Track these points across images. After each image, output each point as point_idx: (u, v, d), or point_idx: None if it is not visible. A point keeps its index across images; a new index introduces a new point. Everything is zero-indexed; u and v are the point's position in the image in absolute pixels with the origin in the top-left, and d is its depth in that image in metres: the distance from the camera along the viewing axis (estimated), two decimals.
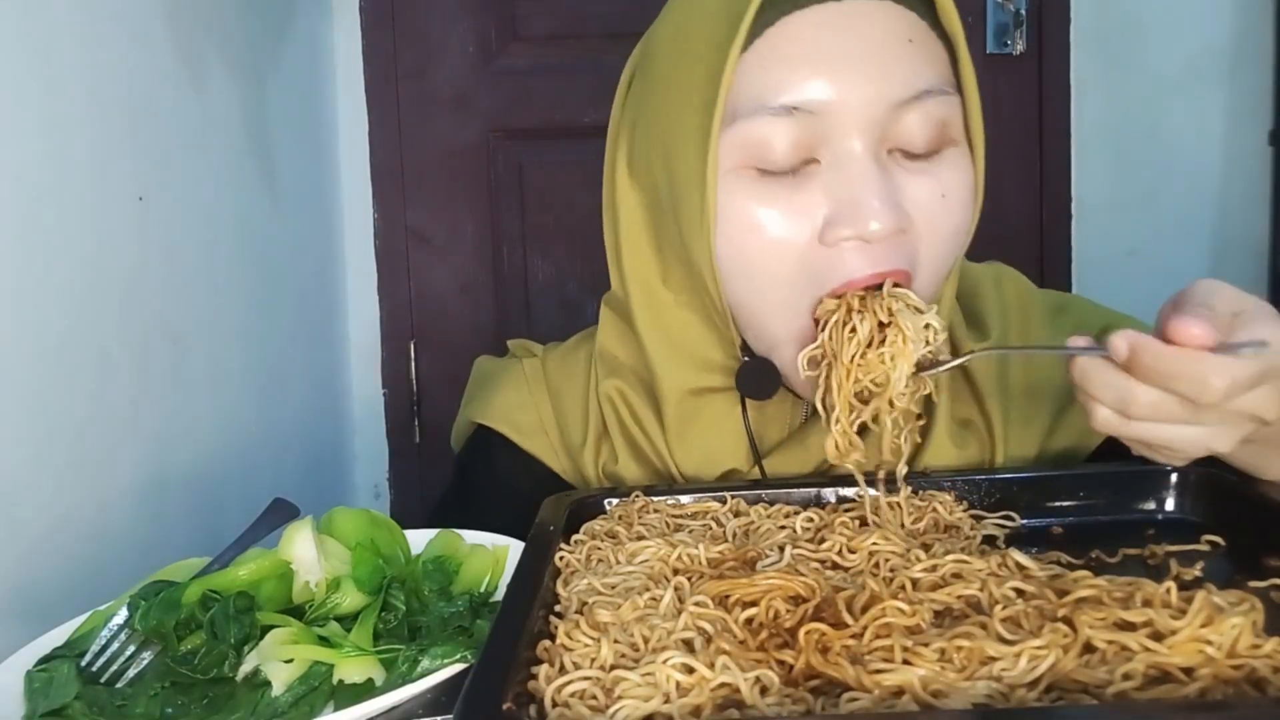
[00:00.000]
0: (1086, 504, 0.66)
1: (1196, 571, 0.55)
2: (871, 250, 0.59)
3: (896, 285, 0.61)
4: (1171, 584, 0.48)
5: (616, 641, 0.47)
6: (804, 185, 0.60)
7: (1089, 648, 0.44)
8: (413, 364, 1.77)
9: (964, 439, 0.71)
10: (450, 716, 0.42)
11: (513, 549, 0.70)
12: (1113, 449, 0.72)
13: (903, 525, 0.61)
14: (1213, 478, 0.65)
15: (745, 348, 0.68)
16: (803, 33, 0.58)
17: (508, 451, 0.79)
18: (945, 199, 0.61)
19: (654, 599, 0.51)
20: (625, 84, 0.73)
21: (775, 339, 0.65)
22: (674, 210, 0.65)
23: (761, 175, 0.60)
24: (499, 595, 0.65)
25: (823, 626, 0.46)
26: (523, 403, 0.79)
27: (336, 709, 0.54)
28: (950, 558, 0.54)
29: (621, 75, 0.74)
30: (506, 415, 0.79)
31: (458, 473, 0.85)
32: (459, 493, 0.83)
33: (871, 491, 0.64)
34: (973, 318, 0.75)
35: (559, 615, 0.53)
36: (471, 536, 0.73)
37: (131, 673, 0.60)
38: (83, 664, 0.60)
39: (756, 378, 0.67)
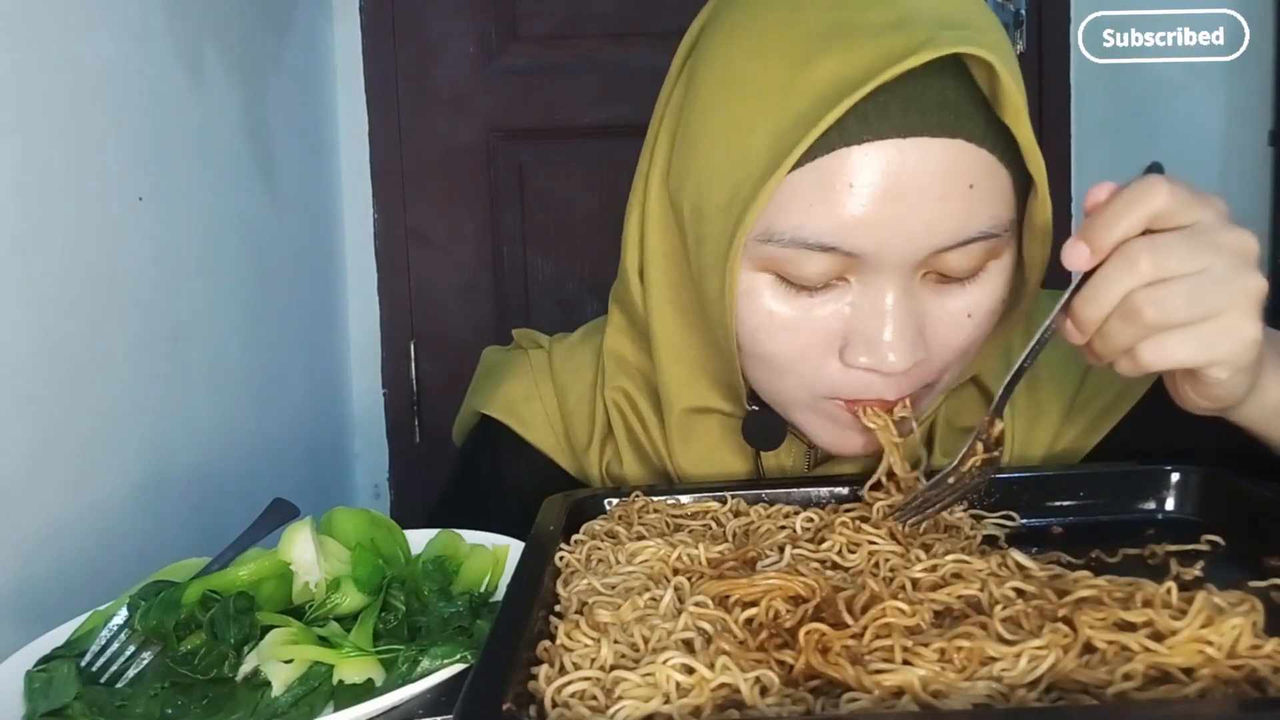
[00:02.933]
0: (1086, 504, 0.66)
1: (1196, 571, 0.55)
2: (888, 378, 0.59)
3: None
4: (1172, 584, 0.48)
5: (616, 642, 0.47)
6: (829, 302, 0.59)
7: (1089, 648, 0.44)
8: (413, 364, 1.77)
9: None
10: (450, 716, 0.42)
11: (513, 549, 0.70)
12: (1111, 448, 0.74)
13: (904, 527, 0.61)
14: (1213, 477, 0.65)
15: (753, 395, 0.67)
16: (859, 172, 0.54)
17: (511, 443, 0.78)
18: (970, 318, 0.59)
19: (654, 599, 0.51)
20: (677, 69, 0.67)
21: (787, 408, 0.65)
22: (698, 268, 0.63)
23: (787, 283, 0.59)
24: (499, 595, 0.65)
25: (823, 627, 0.46)
26: (528, 395, 0.77)
27: (336, 709, 0.54)
28: (950, 558, 0.54)
29: (677, 52, 0.67)
30: (511, 407, 0.78)
31: (460, 465, 0.84)
32: (461, 485, 0.82)
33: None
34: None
35: (559, 615, 0.53)
36: (471, 536, 0.73)
37: (131, 673, 0.60)
38: (83, 664, 0.60)
39: (763, 428, 0.67)
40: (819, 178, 0.54)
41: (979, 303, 0.59)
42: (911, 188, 0.54)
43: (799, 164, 0.54)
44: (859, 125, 0.53)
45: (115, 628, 0.61)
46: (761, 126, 0.56)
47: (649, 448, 0.72)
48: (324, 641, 0.59)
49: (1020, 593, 0.49)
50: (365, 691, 0.56)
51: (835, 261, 0.56)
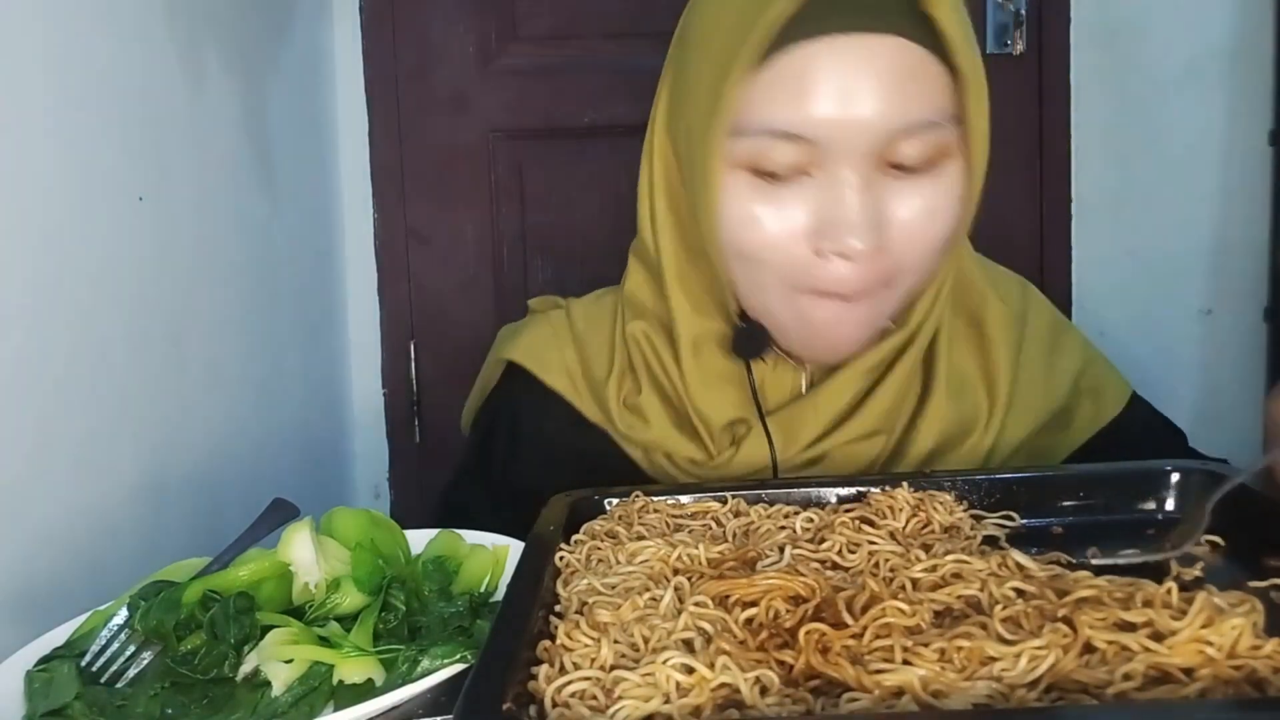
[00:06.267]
0: (1086, 504, 0.66)
1: (1196, 572, 0.55)
2: (853, 262, 0.64)
3: None
4: (1172, 584, 0.48)
5: (616, 642, 0.47)
6: (799, 193, 0.65)
7: (1089, 648, 0.44)
8: (413, 364, 1.77)
9: (962, 394, 0.75)
10: (450, 716, 0.42)
11: (513, 549, 0.70)
12: (1093, 449, 0.78)
13: (905, 527, 0.61)
14: (1213, 478, 0.65)
15: (743, 314, 0.74)
16: (811, 62, 0.62)
17: (531, 390, 0.81)
18: (931, 215, 0.65)
19: (654, 599, 0.51)
20: (678, 28, 0.74)
21: (768, 312, 0.71)
22: (689, 188, 0.71)
23: (760, 176, 0.65)
24: (499, 595, 0.65)
25: (823, 626, 0.46)
26: (547, 343, 0.82)
27: (336, 709, 0.54)
28: (950, 558, 0.54)
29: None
30: (530, 351, 0.82)
31: (479, 422, 0.87)
32: (480, 443, 0.86)
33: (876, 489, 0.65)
34: (976, 323, 0.78)
35: (559, 615, 0.53)
36: (471, 536, 0.73)
37: (131, 673, 0.60)
38: (83, 664, 0.60)
39: (749, 340, 0.73)
40: (778, 74, 0.63)
41: (935, 201, 0.65)
42: (857, 78, 0.61)
43: (763, 65, 0.63)
44: (808, 25, 0.61)
45: (115, 628, 0.61)
46: (730, 43, 0.63)
47: (664, 379, 0.76)
48: (324, 641, 0.59)
49: (1020, 593, 0.49)
50: (365, 691, 0.56)
51: (799, 150, 0.63)
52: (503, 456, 0.84)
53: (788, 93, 0.62)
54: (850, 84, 0.61)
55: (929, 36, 0.63)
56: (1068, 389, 0.79)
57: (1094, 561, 0.57)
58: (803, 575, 0.52)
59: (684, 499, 0.68)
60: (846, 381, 0.73)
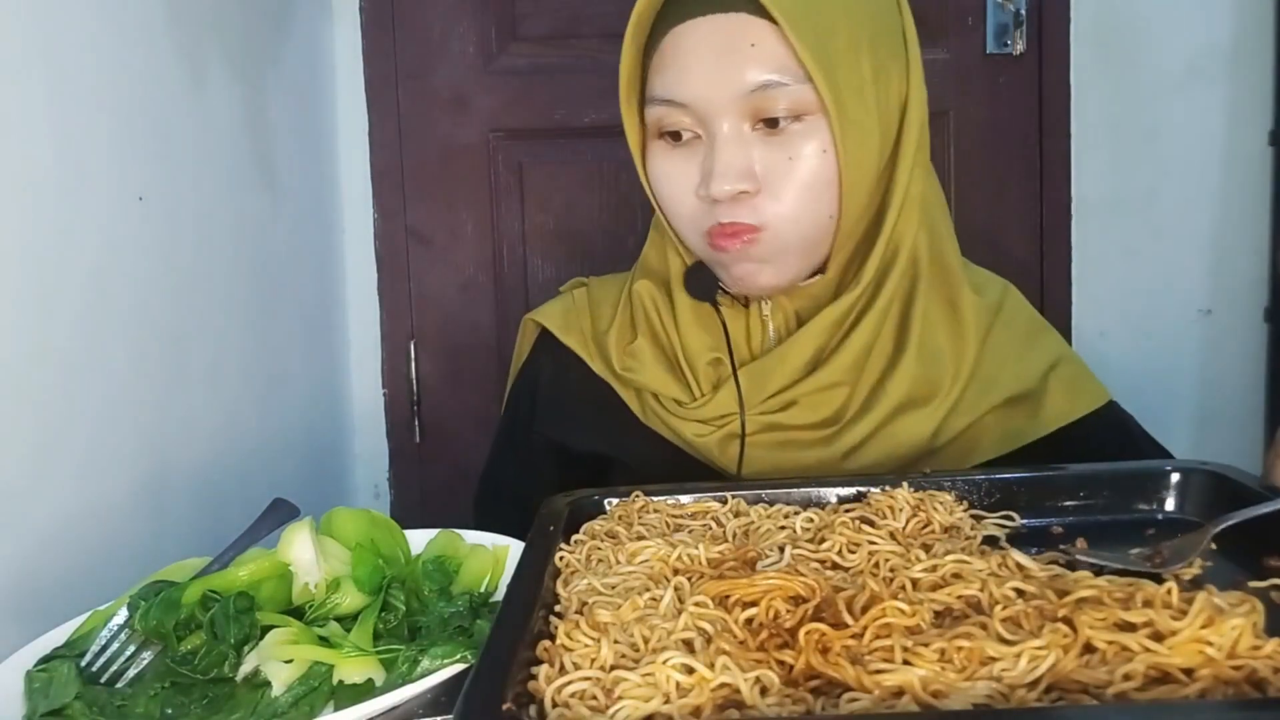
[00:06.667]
0: (1086, 504, 0.66)
1: (1196, 571, 0.55)
2: (728, 206, 0.75)
3: None
4: (1172, 584, 0.48)
5: (617, 642, 0.47)
6: (694, 150, 0.77)
7: (1089, 648, 0.44)
8: (413, 364, 1.77)
9: (934, 362, 0.81)
10: (450, 716, 0.42)
11: (513, 549, 0.70)
12: (1065, 442, 0.81)
13: (905, 526, 0.61)
14: (1213, 478, 0.65)
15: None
16: (679, 41, 0.75)
17: (551, 351, 0.93)
18: (791, 161, 0.74)
19: (654, 599, 0.51)
20: None
21: (700, 257, 0.82)
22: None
23: (667, 140, 0.78)
24: (499, 595, 0.65)
25: (823, 627, 0.46)
26: (567, 311, 0.94)
27: (336, 709, 0.54)
28: (950, 558, 0.54)
29: None
30: (551, 316, 0.94)
31: (510, 394, 0.98)
32: (509, 410, 0.97)
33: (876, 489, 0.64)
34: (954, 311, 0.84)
35: (559, 615, 0.53)
36: (471, 536, 0.73)
37: (131, 673, 0.60)
38: (83, 664, 0.60)
39: (698, 281, 0.83)
40: (661, 53, 0.76)
41: (798, 149, 0.74)
42: (712, 49, 0.73)
43: (658, 46, 0.77)
44: (679, 11, 0.74)
45: (115, 628, 0.61)
46: (629, 29, 0.79)
47: (659, 326, 0.86)
48: (324, 641, 0.59)
49: (1020, 593, 0.49)
50: (365, 691, 0.56)
51: (685, 114, 0.75)
52: (526, 415, 0.94)
53: (666, 68, 0.76)
54: (705, 56, 0.73)
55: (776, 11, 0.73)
56: (1038, 376, 0.83)
57: (1080, 557, 0.57)
58: (803, 575, 0.52)
59: (684, 499, 0.68)
60: (811, 336, 0.81)
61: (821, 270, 0.81)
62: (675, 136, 0.77)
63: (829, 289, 0.82)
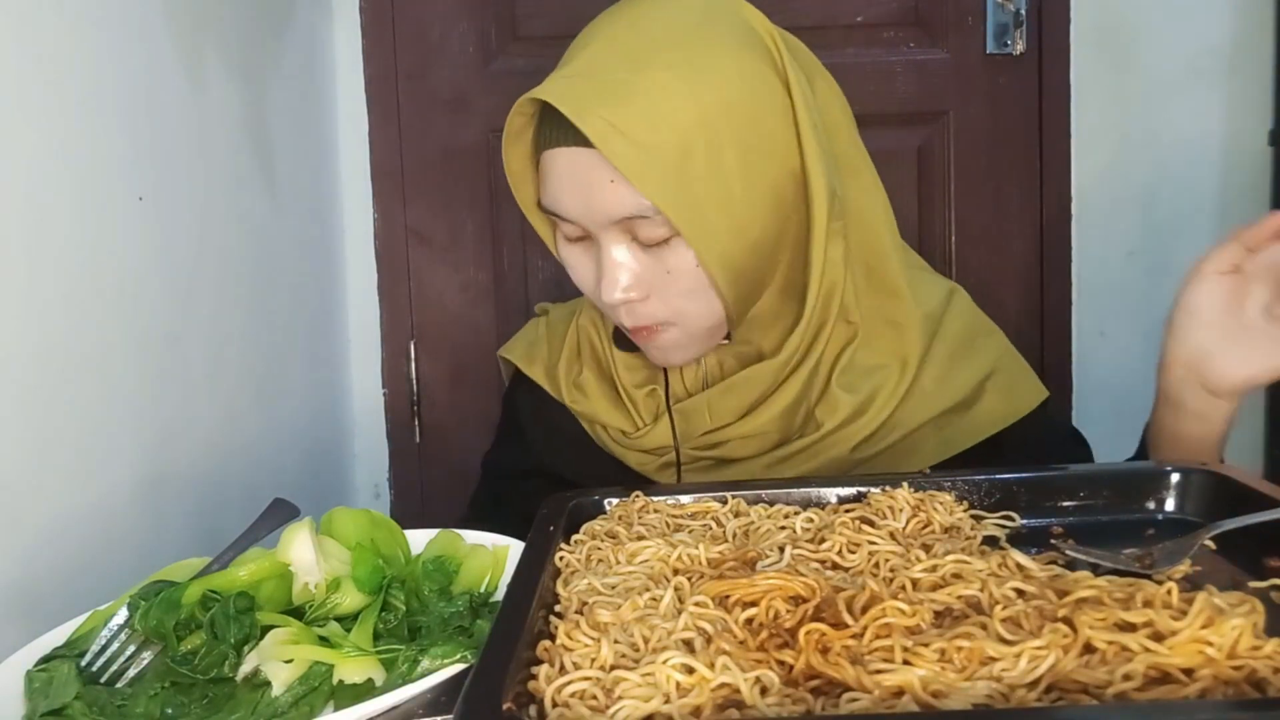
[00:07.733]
0: (1086, 504, 0.66)
1: (1186, 570, 0.55)
2: (625, 308, 0.78)
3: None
4: (1172, 585, 0.48)
5: (617, 642, 0.47)
6: (587, 252, 0.80)
7: (1089, 648, 0.44)
8: (413, 364, 1.77)
9: (869, 377, 0.84)
10: (450, 716, 0.42)
11: (513, 549, 0.70)
12: (1003, 442, 0.85)
13: (905, 527, 0.61)
14: (1213, 478, 0.65)
15: None
16: (550, 165, 0.77)
17: (523, 382, 0.98)
18: (670, 274, 0.77)
19: (654, 599, 0.51)
20: None
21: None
22: None
23: (565, 237, 0.81)
24: (499, 595, 0.65)
25: (823, 627, 0.46)
26: (530, 342, 0.99)
27: (336, 709, 0.54)
28: (950, 558, 0.54)
29: None
30: (515, 348, 1.00)
31: (499, 421, 1.05)
32: (497, 438, 1.04)
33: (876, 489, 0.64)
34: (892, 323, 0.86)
35: (559, 615, 0.53)
36: (471, 536, 0.73)
37: (131, 673, 0.60)
38: (83, 664, 0.60)
39: (623, 336, 0.86)
40: (543, 168, 0.78)
41: (674, 264, 0.76)
42: (576, 180, 0.75)
43: (538, 162, 0.79)
44: (547, 134, 0.76)
45: (115, 628, 0.61)
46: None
47: (604, 358, 0.91)
48: (324, 641, 0.59)
49: (1020, 593, 0.49)
50: (365, 691, 0.56)
51: (572, 225, 0.78)
52: (511, 444, 1.00)
53: (547, 183, 0.78)
54: (571, 185, 0.76)
55: None
56: (973, 386, 0.86)
57: (1069, 553, 0.57)
58: (803, 575, 0.52)
59: (684, 499, 0.68)
60: (739, 391, 0.84)
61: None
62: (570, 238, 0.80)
63: (754, 347, 0.85)
